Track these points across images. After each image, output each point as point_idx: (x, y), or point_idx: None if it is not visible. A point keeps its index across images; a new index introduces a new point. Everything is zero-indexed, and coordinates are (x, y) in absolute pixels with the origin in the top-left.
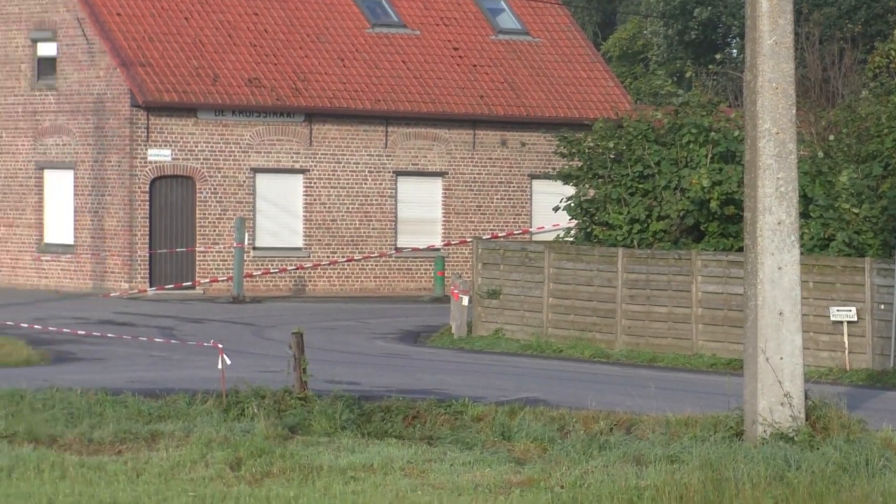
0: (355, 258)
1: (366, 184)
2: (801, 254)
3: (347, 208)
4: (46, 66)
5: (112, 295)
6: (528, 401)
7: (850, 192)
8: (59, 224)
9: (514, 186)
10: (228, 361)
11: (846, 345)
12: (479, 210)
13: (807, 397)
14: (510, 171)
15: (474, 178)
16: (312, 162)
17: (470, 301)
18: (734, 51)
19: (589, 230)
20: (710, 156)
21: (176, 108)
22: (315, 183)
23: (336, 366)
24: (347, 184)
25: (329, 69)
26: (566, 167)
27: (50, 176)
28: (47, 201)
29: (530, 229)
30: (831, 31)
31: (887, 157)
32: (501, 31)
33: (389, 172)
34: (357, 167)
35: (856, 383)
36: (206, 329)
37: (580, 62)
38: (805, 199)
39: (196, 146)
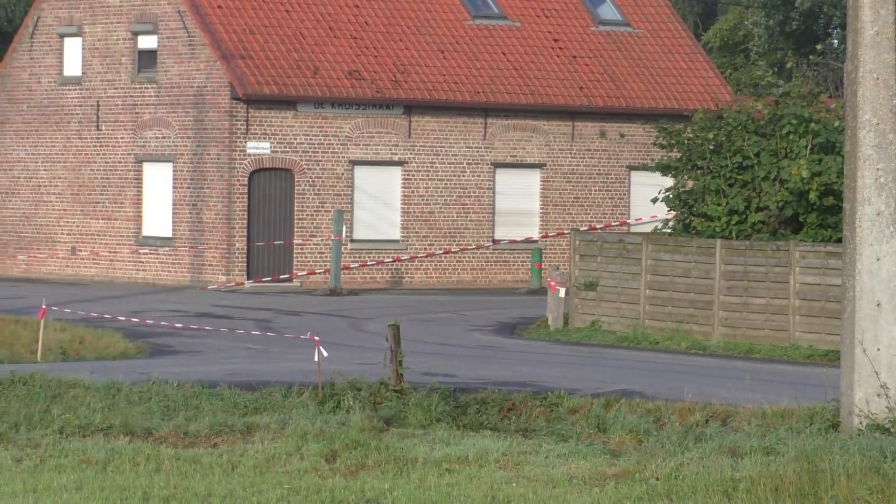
0: (452, 250)
1: (464, 176)
2: None
3: (445, 200)
4: (147, 59)
5: (209, 288)
6: (623, 393)
7: None
8: (158, 217)
9: (612, 178)
10: (325, 354)
11: None
12: (577, 202)
13: None
14: (608, 162)
15: (572, 169)
16: (411, 154)
17: (567, 293)
18: (835, 41)
19: (687, 221)
20: (809, 146)
21: (275, 101)
22: (413, 175)
23: (432, 358)
24: (445, 176)
25: (429, 61)
26: (665, 158)
27: (149, 169)
28: (146, 194)
29: (628, 221)
30: None
31: None
32: (602, 23)
33: (488, 164)
34: (455, 159)
35: None
36: (302, 321)
37: (680, 53)
38: None
39: (295, 139)
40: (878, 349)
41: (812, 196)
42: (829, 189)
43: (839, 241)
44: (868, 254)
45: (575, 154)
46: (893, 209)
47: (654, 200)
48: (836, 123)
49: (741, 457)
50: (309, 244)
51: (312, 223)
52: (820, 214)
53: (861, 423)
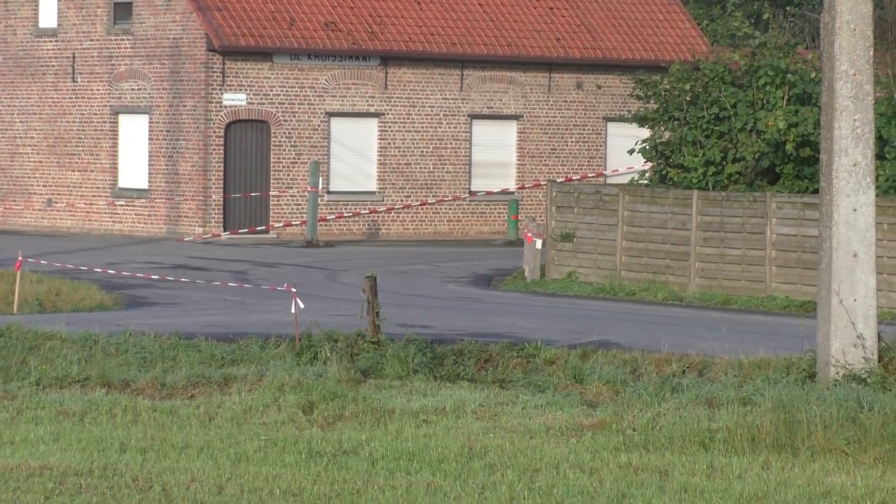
0: (429, 202)
1: (440, 127)
2: (877, 195)
3: (422, 152)
4: (123, 11)
5: (186, 239)
6: (600, 344)
7: None
8: (134, 169)
9: (588, 129)
10: (302, 305)
11: None
12: (554, 153)
13: (880, 339)
14: (585, 113)
15: (549, 121)
16: (387, 106)
17: (543, 244)
18: None
19: (664, 173)
20: (786, 98)
21: (251, 53)
22: (390, 127)
23: (409, 310)
24: (422, 127)
25: (405, 12)
26: (642, 110)
27: (125, 121)
28: (122, 146)
29: (605, 172)
30: None
31: None
32: None
33: (464, 116)
34: (432, 111)
35: None
36: (279, 273)
37: (657, 4)
38: (881, 140)
39: (271, 90)
40: (855, 300)
41: (789, 147)
42: (805, 140)
43: (816, 192)
44: (845, 205)
45: (552, 105)
46: (870, 160)
47: (631, 152)
48: (813, 74)
49: (718, 407)
50: (285, 196)
51: (289, 175)
52: (796, 165)
53: (837, 373)
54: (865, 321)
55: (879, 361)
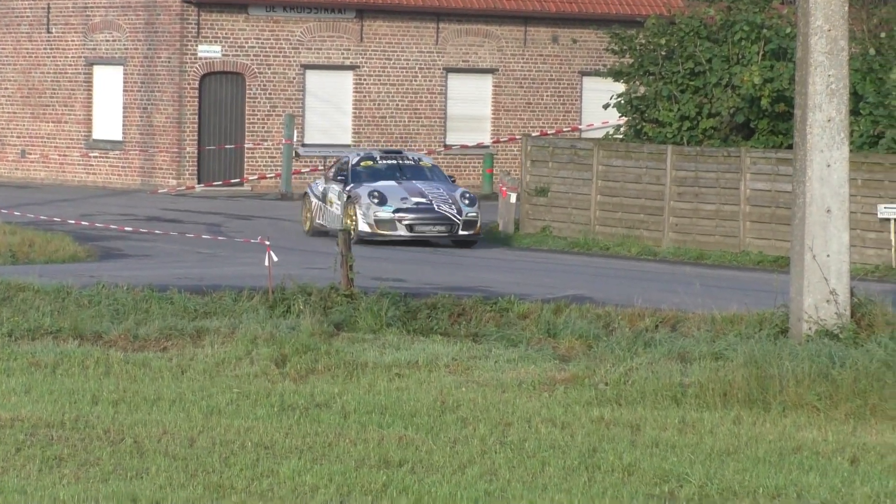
0: None
1: (416, 81)
2: (851, 151)
3: (397, 105)
4: None
5: (160, 191)
6: (573, 298)
7: None
8: (108, 120)
9: (564, 84)
10: (275, 258)
11: (893, 242)
12: (529, 107)
13: (852, 294)
14: (560, 68)
15: (524, 75)
16: (363, 58)
17: (518, 198)
18: None
19: (639, 127)
20: (761, 53)
21: (227, 4)
22: (365, 80)
23: (382, 263)
24: (397, 81)
25: None
26: (617, 64)
27: (99, 72)
28: (96, 97)
29: (580, 127)
30: None
31: None
32: None
33: (440, 69)
34: (407, 64)
35: None
36: (253, 226)
37: None
38: (855, 96)
39: (246, 42)
40: (828, 255)
41: (764, 102)
42: (780, 95)
43: (790, 147)
44: (819, 160)
45: (527, 59)
46: (844, 115)
47: (606, 106)
48: (788, 30)
49: (690, 362)
50: (260, 148)
51: (263, 127)
52: (771, 121)
53: (810, 328)
54: (838, 277)
55: (852, 317)
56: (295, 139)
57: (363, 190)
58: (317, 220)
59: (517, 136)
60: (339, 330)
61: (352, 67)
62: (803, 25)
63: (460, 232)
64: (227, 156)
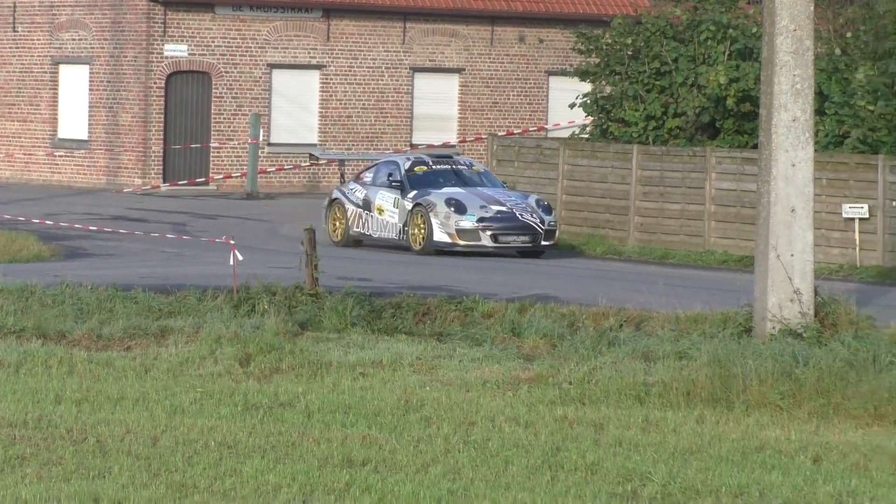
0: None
1: (382, 80)
2: (816, 151)
3: (363, 105)
4: None
5: (125, 191)
6: (538, 297)
7: (866, 90)
8: (74, 119)
9: (530, 83)
10: (240, 258)
11: (857, 242)
12: (496, 107)
13: (816, 294)
14: (527, 67)
15: (491, 74)
16: (329, 58)
17: None
18: None
19: (604, 127)
20: (727, 53)
21: (193, 3)
22: (331, 79)
23: (348, 262)
24: (364, 80)
25: None
26: (583, 64)
27: (65, 71)
28: (62, 96)
29: (546, 126)
30: None
31: None
32: None
33: (406, 69)
34: (374, 63)
35: (866, 280)
36: (218, 225)
37: None
38: (821, 96)
39: (213, 41)
40: (792, 255)
41: (729, 102)
42: (746, 95)
43: (755, 147)
44: (784, 160)
45: (494, 59)
46: (809, 115)
47: (572, 106)
48: (755, 29)
49: (654, 361)
50: (226, 148)
51: (229, 127)
52: (737, 120)
53: (774, 328)
54: (802, 276)
55: (815, 316)
56: (261, 138)
57: (437, 197)
58: (354, 229)
59: (483, 136)
60: (303, 329)
61: (318, 67)
62: (769, 25)
63: (542, 242)
64: (193, 155)
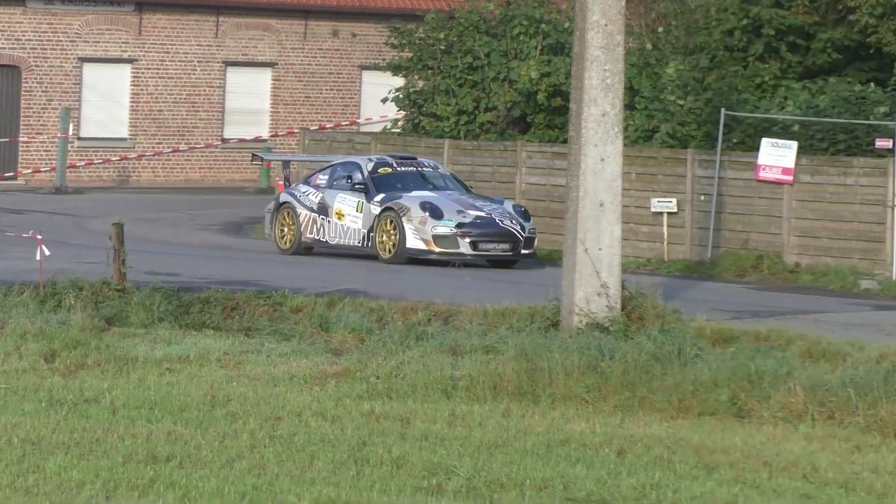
0: (181, 149)
1: (194, 74)
2: (625, 145)
3: (175, 99)
4: None
5: None
6: (347, 292)
7: (676, 84)
8: None
9: (343, 77)
10: (47, 252)
11: (665, 236)
12: (308, 101)
13: (624, 288)
14: (340, 62)
15: (304, 69)
16: (141, 52)
17: None
18: None
19: (417, 121)
20: (539, 48)
21: None
22: (143, 73)
23: (157, 257)
24: (176, 74)
25: None
26: (396, 58)
27: None
28: None
29: (359, 121)
30: None
31: (714, 50)
32: None
33: (219, 63)
34: (186, 57)
35: (673, 274)
36: (26, 220)
37: None
38: (631, 90)
39: (23, 35)
40: (600, 249)
41: (540, 97)
42: (557, 90)
43: (566, 141)
44: (593, 154)
45: (307, 53)
46: (619, 110)
47: (385, 100)
48: (567, 24)
49: (461, 355)
50: (35, 142)
51: (39, 121)
52: (548, 115)
53: (581, 321)
54: (610, 270)
55: (622, 310)
56: (70, 132)
57: (409, 201)
58: (308, 235)
59: (296, 130)
60: (110, 325)
61: (130, 61)
62: (580, 20)
63: (522, 250)
64: (2, 149)
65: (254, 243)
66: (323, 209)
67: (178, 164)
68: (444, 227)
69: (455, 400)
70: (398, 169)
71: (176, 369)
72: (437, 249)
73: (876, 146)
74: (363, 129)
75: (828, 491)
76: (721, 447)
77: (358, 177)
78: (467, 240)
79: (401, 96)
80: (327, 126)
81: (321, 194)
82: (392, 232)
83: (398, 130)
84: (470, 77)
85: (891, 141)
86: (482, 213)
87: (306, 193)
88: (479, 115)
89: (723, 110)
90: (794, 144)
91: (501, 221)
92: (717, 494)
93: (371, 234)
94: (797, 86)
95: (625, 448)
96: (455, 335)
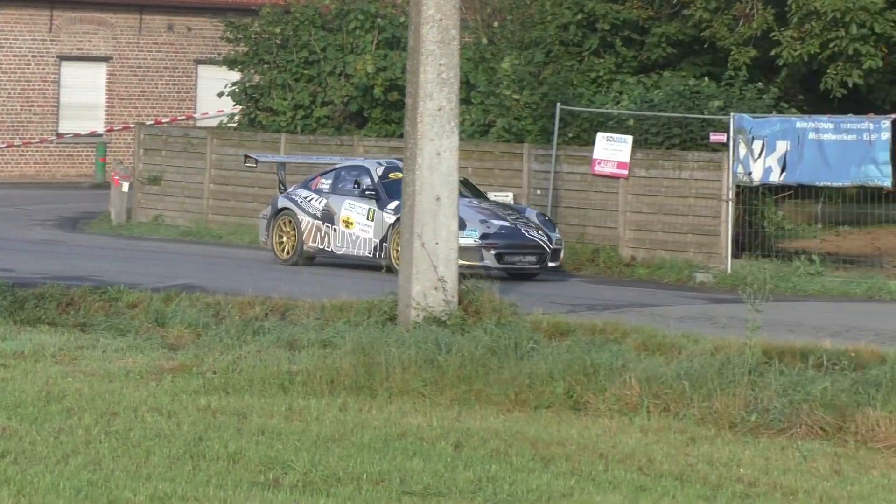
0: (15, 144)
1: (28, 69)
2: (462, 140)
3: (9, 94)
4: None
5: None
6: (184, 287)
7: (512, 79)
8: None
9: (179, 72)
10: None
11: None
12: (144, 95)
13: (461, 282)
14: (176, 56)
15: (139, 63)
16: None
17: (130, 187)
18: None
19: (253, 116)
20: (375, 42)
21: None
22: None
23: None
24: (9, 69)
25: None
26: (232, 53)
27: None
28: None
29: (195, 115)
30: None
31: (549, 45)
32: None
33: (53, 57)
34: (20, 52)
35: None
36: None
37: None
38: (468, 85)
39: None
40: (437, 243)
41: (377, 91)
42: (393, 84)
43: (403, 136)
44: (429, 149)
45: (142, 48)
46: (455, 104)
47: (221, 95)
48: (402, 19)
49: (299, 350)
50: None
51: None
52: (385, 110)
53: (418, 315)
54: (447, 264)
55: (459, 304)
56: None
57: None
58: (311, 244)
59: (131, 125)
60: None
61: None
62: (415, 15)
63: (549, 263)
64: None
65: (89, 238)
66: (328, 216)
67: (12, 160)
68: (468, 239)
69: (292, 394)
70: None
71: (10, 365)
72: (460, 262)
73: (710, 140)
74: (200, 123)
75: (663, 483)
76: (557, 440)
77: (367, 182)
78: (493, 252)
79: (237, 91)
80: (163, 121)
81: (325, 200)
82: None
83: (235, 125)
84: (306, 72)
85: (725, 135)
86: (506, 223)
87: (308, 199)
88: (315, 110)
89: (558, 105)
90: (630, 139)
91: (527, 232)
92: (553, 487)
93: (384, 244)
94: (632, 80)
95: (461, 441)
96: (292, 330)
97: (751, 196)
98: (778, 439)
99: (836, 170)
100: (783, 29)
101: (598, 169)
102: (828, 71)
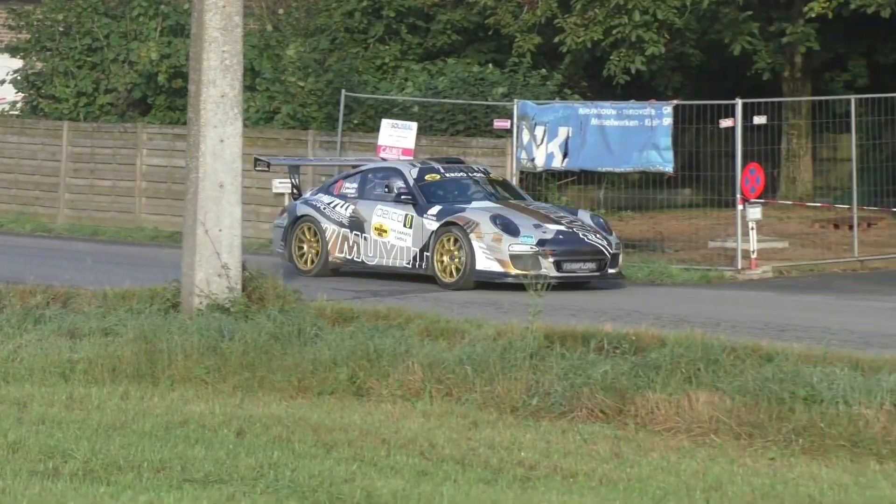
0: None
1: None
2: (246, 127)
3: None
4: None
5: None
6: None
7: (297, 66)
8: None
9: None
10: None
11: None
12: None
13: (244, 269)
14: None
15: None
16: None
17: None
18: None
19: (35, 104)
20: (159, 29)
21: None
22: None
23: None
24: None
25: None
26: (14, 40)
27: None
28: None
29: None
30: None
31: (335, 32)
32: None
33: None
34: None
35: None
36: None
37: None
38: (253, 72)
39: None
40: (221, 230)
41: (161, 78)
42: (178, 71)
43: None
44: (212, 136)
45: None
46: (239, 91)
47: (2, 82)
48: (186, 6)
49: (80, 338)
50: None
51: None
52: (169, 97)
53: (202, 303)
54: (230, 251)
55: (243, 291)
56: None
57: (476, 214)
58: (337, 254)
59: None
60: None
61: None
62: (198, 1)
63: (609, 270)
64: None
65: None
66: (357, 224)
67: None
68: (523, 245)
69: (73, 383)
70: (447, 175)
71: None
72: (514, 271)
73: (494, 127)
74: None
75: (445, 467)
76: (340, 425)
77: (400, 185)
78: (551, 259)
79: (19, 78)
80: None
81: (352, 206)
82: (456, 252)
83: (17, 113)
84: (89, 59)
85: (508, 122)
86: (562, 227)
87: (332, 205)
88: (98, 97)
89: (343, 92)
90: (414, 125)
91: (586, 237)
92: (334, 472)
93: (426, 253)
94: (417, 67)
95: (244, 428)
96: (74, 318)
97: (535, 182)
98: (559, 423)
99: (619, 155)
100: (567, 16)
101: (383, 155)
102: (611, 57)
